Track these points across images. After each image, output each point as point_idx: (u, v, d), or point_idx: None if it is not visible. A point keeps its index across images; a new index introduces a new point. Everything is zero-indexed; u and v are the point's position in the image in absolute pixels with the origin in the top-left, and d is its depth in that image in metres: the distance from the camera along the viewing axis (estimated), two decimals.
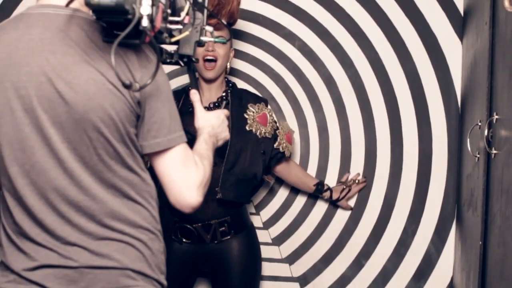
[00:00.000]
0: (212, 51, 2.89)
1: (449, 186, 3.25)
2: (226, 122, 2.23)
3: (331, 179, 3.33)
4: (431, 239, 3.27)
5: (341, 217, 3.33)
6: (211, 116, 2.18)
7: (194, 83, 2.30)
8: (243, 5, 3.16)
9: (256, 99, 3.06)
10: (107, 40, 1.67)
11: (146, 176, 1.89)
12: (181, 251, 2.95)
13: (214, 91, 2.98)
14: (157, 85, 1.81)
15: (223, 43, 2.40)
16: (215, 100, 2.97)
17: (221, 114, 2.22)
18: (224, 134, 2.21)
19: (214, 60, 2.90)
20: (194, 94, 2.20)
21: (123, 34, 1.56)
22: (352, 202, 3.32)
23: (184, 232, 2.93)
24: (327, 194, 3.27)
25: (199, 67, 2.91)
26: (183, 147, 1.88)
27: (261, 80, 3.36)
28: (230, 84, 3.05)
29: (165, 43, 1.90)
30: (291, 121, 3.33)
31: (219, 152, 2.83)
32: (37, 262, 1.80)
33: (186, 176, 1.85)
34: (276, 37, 3.34)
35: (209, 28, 2.13)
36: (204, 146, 2.04)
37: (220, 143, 2.21)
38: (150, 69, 1.78)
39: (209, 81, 2.96)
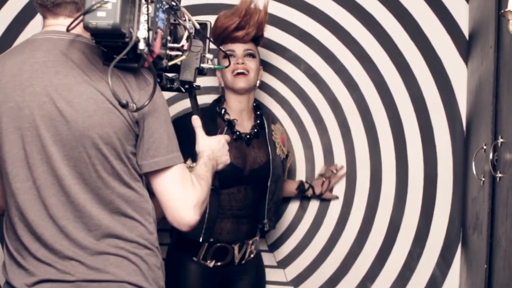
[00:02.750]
0: (243, 63, 2.92)
1: (454, 209, 3.28)
2: (226, 147, 2.29)
3: (336, 202, 3.39)
4: (437, 262, 3.30)
5: (347, 239, 3.37)
6: (212, 141, 2.26)
7: (196, 109, 2.34)
8: None
9: (272, 117, 3.15)
10: (107, 63, 1.74)
11: (144, 193, 1.96)
12: (207, 273, 2.94)
13: (245, 106, 3.00)
14: (155, 106, 1.89)
15: (223, 68, 2.47)
16: (247, 121, 3.02)
17: (222, 139, 2.29)
18: (224, 158, 2.28)
19: (245, 74, 2.93)
20: (195, 120, 2.26)
21: (120, 55, 1.64)
22: (357, 225, 3.36)
23: (217, 252, 2.94)
24: (310, 192, 3.32)
25: (229, 81, 2.94)
26: (180, 167, 1.95)
27: (266, 102, 3.41)
28: (258, 109, 3.10)
29: (165, 69, 2.01)
30: (296, 144, 3.40)
31: (260, 183, 2.98)
32: (37, 277, 1.87)
33: (183, 195, 1.92)
34: (281, 60, 3.39)
35: (209, 56, 2.22)
36: (203, 168, 2.12)
37: (220, 167, 2.27)
38: (148, 91, 1.84)
39: (240, 92, 2.96)
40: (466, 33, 3.26)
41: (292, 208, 3.42)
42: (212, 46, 2.33)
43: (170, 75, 2.21)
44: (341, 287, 3.39)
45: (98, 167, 1.85)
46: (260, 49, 3.32)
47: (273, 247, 3.43)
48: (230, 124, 2.96)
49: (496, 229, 2.60)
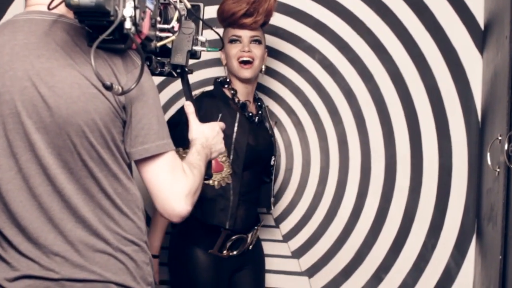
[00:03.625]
0: (248, 51, 2.91)
1: (469, 200, 3.29)
2: (221, 134, 2.21)
3: (351, 192, 3.40)
4: (451, 253, 3.31)
5: (361, 230, 3.39)
6: (206, 128, 2.17)
7: (188, 95, 2.25)
8: None
9: (262, 101, 3.16)
10: (91, 44, 1.59)
11: (132, 185, 1.88)
12: (219, 263, 2.93)
13: (250, 90, 3.01)
14: (143, 90, 1.80)
15: (216, 51, 2.34)
16: (251, 99, 3.04)
17: (216, 126, 2.21)
18: (219, 146, 2.20)
19: (251, 62, 2.92)
20: (188, 106, 2.19)
21: (104, 35, 1.55)
22: (372, 216, 3.38)
23: (234, 243, 2.96)
24: None
25: (234, 68, 2.94)
26: (171, 154, 1.86)
27: (281, 93, 3.43)
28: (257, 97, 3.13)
29: (154, 51, 1.93)
30: (311, 134, 3.42)
31: (271, 168, 3.05)
32: (19, 272, 1.79)
33: (174, 184, 1.84)
34: (296, 50, 3.41)
35: (202, 38, 2.14)
36: (196, 156, 2.02)
37: (214, 155, 2.19)
38: (136, 74, 1.76)
39: (245, 81, 2.97)
40: (481, 23, 3.27)
41: (306, 198, 3.44)
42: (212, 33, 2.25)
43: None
44: (355, 278, 3.40)
45: (84, 156, 1.76)
46: (275, 39, 3.37)
47: (288, 237, 3.46)
48: (244, 107, 2.98)
49: (511, 220, 2.62)
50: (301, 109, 3.43)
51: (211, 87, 3.03)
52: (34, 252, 1.78)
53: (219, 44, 2.34)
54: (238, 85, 2.98)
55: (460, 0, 3.25)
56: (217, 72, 3.41)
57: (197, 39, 2.13)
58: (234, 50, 2.92)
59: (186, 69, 2.17)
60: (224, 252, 2.93)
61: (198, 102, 2.82)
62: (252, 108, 3.05)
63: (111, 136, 1.79)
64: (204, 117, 2.74)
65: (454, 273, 3.32)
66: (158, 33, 1.87)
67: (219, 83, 3.01)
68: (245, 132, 2.90)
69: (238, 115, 2.91)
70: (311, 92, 3.42)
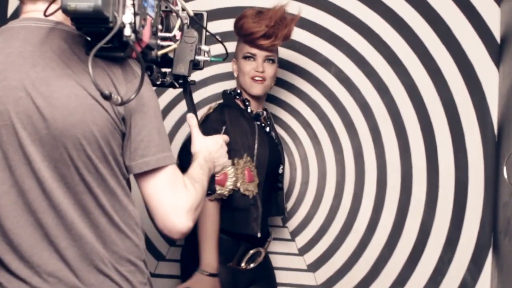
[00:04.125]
0: (262, 71, 2.91)
1: (485, 214, 3.29)
2: (225, 148, 2.16)
3: (367, 206, 3.40)
4: (468, 267, 3.30)
5: (377, 243, 3.39)
6: (209, 141, 2.12)
7: (191, 107, 2.17)
8: None
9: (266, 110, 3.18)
10: (90, 53, 1.49)
11: (129, 201, 1.80)
12: (239, 276, 2.93)
13: (261, 102, 3.03)
14: (143, 101, 1.72)
15: (219, 61, 2.26)
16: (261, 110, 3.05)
17: (220, 139, 2.16)
18: (223, 160, 2.15)
19: (263, 80, 2.93)
20: (191, 118, 2.13)
21: (102, 42, 1.47)
22: (388, 229, 3.38)
23: (254, 256, 2.96)
24: None
25: (247, 84, 2.93)
26: (172, 168, 1.78)
27: (296, 106, 3.45)
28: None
29: (155, 61, 1.85)
30: (327, 148, 3.43)
31: (279, 177, 3.07)
32: None
33: (175, 199, 1.75)
34: (312, 63, 3.42)
35: (205, 48, 2.07)
36: (198, 170, 1.95)
37: (218, 169, 2.14)
38: (136, 84, 1.65)
39: (255, 97, 2.98)
40: (497, 37, 3.28)
41: (322, 211, 3.45)
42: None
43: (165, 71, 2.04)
44: None
45: (81, 170, 1.68)
46: (291, 52, 3.39)
47: (303, 250, 3.46)
48: (258, 117, 2.99)
49: None
50: (317, 123, 3.44)
51: (215, 103, 3.01)
52: (26, 272, 1.71)
53: (223, 55, 2.22)
54: (249, 98, 2.99)
55: (476, 14, 3.27)
56: (226, 86, 3.41)
57: (200, 48, 2.06)
58: (248, 67, 2.92)
59: (189, 80, 2.10)
60: (243, 265, 2.93)
61: (220, 115, 2.86)
62: (262, 117, 3.06)
63: (110, 149, 1.72)
64: (230, 129, 2.77)
65: (470, 287, 3.30)
66: (159, 42, 1.81)
67: (230, 95, 3.01)
68: (264, 143, 2.92)
69: (256, 126, 2.93)
70: (327, 105, 3.43)
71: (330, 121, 3.43)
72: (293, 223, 3.46)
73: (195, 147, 2.09)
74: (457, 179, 3.33)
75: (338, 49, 3.41)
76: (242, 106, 2.98)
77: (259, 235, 2.88)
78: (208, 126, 2.78)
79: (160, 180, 1.76)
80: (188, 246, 3.00)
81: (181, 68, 2.02)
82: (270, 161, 2.95)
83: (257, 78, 2.92)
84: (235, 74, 3.02)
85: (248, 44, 2.93)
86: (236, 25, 2.96)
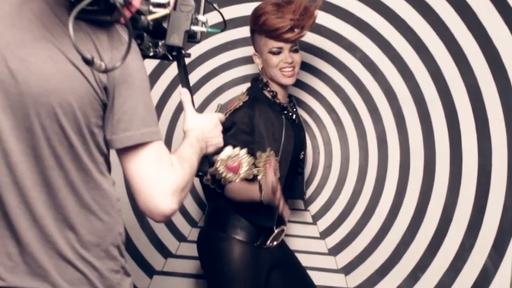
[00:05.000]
0: (291, 62, 2.93)
1: (508, 200, 3.29)
2: (219, 127, 2.05)
3: (389, 191, 3.42)
4: (489, 254, 3.31)
5: (399, 228, 3.40)
6: (203, 119, 2.00)
7: (185, 81, 2.05)
8: None
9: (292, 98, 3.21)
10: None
11: (105, 180, 1.68)
12: (262, 256, 2.97)
13: (287, 90, 3.06)
14: (129, 70, 1.60)
15: (217, 32, 2.10)
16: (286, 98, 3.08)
17: (215, 118, 2.05)
18: (217, 140, 2.03)
19: (293, 69, 2.96)
20: (184, 94, 2.03)
21: (84, 2, 1.35)
22: (410, 215, 3.39)
23: (277, 235, 3.01)
24: None
25: (276, 76, 2.95)
26: (158, 145, 1.66)
27: (321, 90, 3.46)
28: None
29: (147, 29, 1.75)
30: (351, 132, 3.45)
31: (299, 162, 3.09)
32: None
33: (159, 178, 1.63)
34: (337, 48, 3.42)
35: (202, 18, 1.93)
36: (188, 149, 1.83)
37: (211, 149, 2.01)
38: (123, 51, 1.49)
39: (284, 86, 3.01)
40: None
41: (344, 196, 3.47)
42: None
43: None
44: (391, 276, 3.42)
45: (53, 142, 1.57)
46: (317, 36, 3.41)
47: (324, 234, 3.49)
48: (285, 109, 3.02)
49: None
50: (341, 107, 3.45)
51: (243, 93, 3.02)
52: None
53: (221, 24, 2.11)
54: (276, 88, 3.01)
55: (504, 1, 3.26)
56: (249, 70, 3.47)
57: (196, 18, 1.91)
58: (276, 60, 2.93)
59: (183, 52, 1.95)
60: (268, 242, 2.97)
61: (250, 110, 2.86)
62: (289, 107, 3.08)
63: (87, 121, 1.59)
64: (257, 123, 2.82)
65: (492, 274, 3.32)
66: (151, 8, 1.73)
67: (258, 86, 3.02)
68: (290, 135, 2.96)
69: (284, 119, 2.96)
70: (351, 90, 3.44)
71: (354, 106, 3.44)
72: (315, 206, 3.49)
73: (187, 125, 1.97)
74: (480, 165, 3.33)
75: (364, 33, 3.40)
76: (270, 97, 3.00)
77: (275, 228, 2.95)
78: (238, 121, 2.83)
79: (144, 157, 1.64)
80: (207, 243, 3.03)
81: (175, 39, 1.87)
82: (294, 150, 2.99)
83: (287, 69, 2.94)
84: (260, 67, 3.02)
85: (273, 39, 2.92)
86: (256, 22, 2.94)
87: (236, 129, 2.83)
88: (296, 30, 2.90)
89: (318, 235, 3.49)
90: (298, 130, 3.09)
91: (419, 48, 3.37)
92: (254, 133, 2.84)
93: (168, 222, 3.53)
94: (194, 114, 2.01)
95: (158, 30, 1.84)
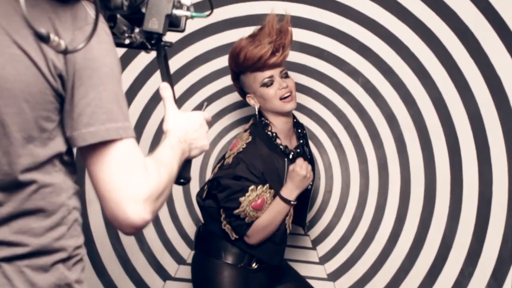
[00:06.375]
0: (286, 86, 2.89)
1: (508, 229, 3.29)
2: (205, 128, 1.83)
3: (389, 217, 3.43)
4: (488, 282, 3.31)
5: (398, 255, 3.41)
6: (186, 118, 1.78)
7: (166, 74, 1.82)
8: (308, 40, 3.31)
9: (302, 127, 3.19)
10: None
11: (55, 180, 1.45)
12: (257, 277, 3.03)
13: (290, 122, 3.03)
14: (94, 54, 1.39)
15: (203, 17, 1.82)
16: (293, 136, 3.06)
17: (200, 117, 1.82)
18: (201, 142, 1.79)
19: (291, 94, 2.91)
20: (165, 89, 1.81)
21: None
22: (409, 241, 3.40)
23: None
24: None
25: (277, 106, 2.91)
26: (129, 144, 1.43)
27: (323, 115, 3.47)
28: (297, 125, 3.14)
29: (120, 8, 1.54)
30: (351, 157, 3.46)
31: (307, 192, 3.07)
32: None
33: (130, 183, 1.40)
34: (339, 73, 3.43)
35: (186, 1, 1.74)
36: (168, 151, 1.61)
37: (195, 152, 1.78)
38: (88, 31, 1.30)
39: (287, 113, 2.97)
40: None
41: (344, 221, 3.48)
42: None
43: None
44: None
45: None
46: (318, 61, 3.41)
47: (324, 259, 3.50)
48: (287, 153, 3.00)
49: None
50: (342, 132, 3.46)
51: (246, 131, 3.01)
52: None
53: (207, 9, 1.90)
54: (279, 123, 2.98)
55: (505, 27, 3.27)
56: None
57: (179, 1, 1.72)
58: (271, 91, 2.89)
59: (164, 40, 1.75)
60: (253, 265, 2.99)
61: (255, 151, 2.88)
62: (293, 144, 3.07)
63: (35, 115, 1.38)
64: (259, 164, 2.82)
65: None
66: None
67: (260, 126, 2.99)
68: None
69: (286, 162, 2.95)
70: (353, 115, 3.45)
71: (356, 131, 3.46)
72: (315, 231, 3.50)
73: (167, 124, 1.75)
74: (480, 193, 3.33)
75: (366, 59, 3.42)
76: (271, 136, 2.98)
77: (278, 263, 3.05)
78: (247, 161, 2.83)
79: (111, 158, 1.41)
80: (199, 266, 3.07)
81: (154, 24, 1.65)
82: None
83: (286, 96, 2.90)
84: (257, 107, 2.98)
85: (260, 71, 2.89)
86: (237, 61, 2.90)
87: (246, 170, 2.83)
88: (279, 52, 2.85)
89: (317, 260, 3.50)
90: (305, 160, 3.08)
91: (421, 74, 3.38)
92: (261, 172, 2.86)
93: (167, 244, 3.54)
94: (176, 112, 1.78)
95: (135, 16, 1.65)
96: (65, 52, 1.22)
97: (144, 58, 3.45)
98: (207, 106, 2.12)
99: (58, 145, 1.43)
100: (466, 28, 3.32)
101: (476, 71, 3.33)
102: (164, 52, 1.79)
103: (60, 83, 1.38)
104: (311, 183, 3.07)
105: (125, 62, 3.47)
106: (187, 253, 3.56)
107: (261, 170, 2.84)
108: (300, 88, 3.38)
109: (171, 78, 1.83)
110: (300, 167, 2.89)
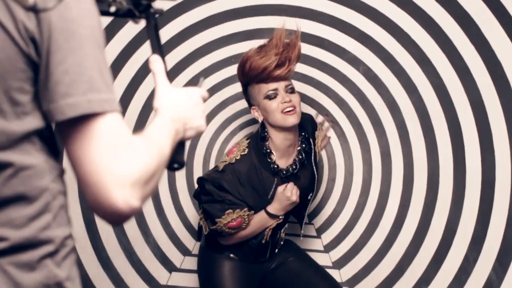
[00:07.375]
0: (290, 101, 2.85)
1: None
2: (200, 106, 1.63)
3: (393, 204, 3.45)
4: (493, 267, 3.32)
5: (402, 242, 3.44)
6: (180, 94, 1.57)
7: (157, 46, 1.63)
8: (309, 30, 3.33)
9: (312, 126, 3.19)
10: None
11: (33, 161, 1.26)
12: (252, 269, 3.12)
13: (292, 139, 2.99)
14: (72, 14, 1.21)
15: None
16: (292, 154, 3.05)
17: (195, 94, 1.62)
18: (197, 122, 1.59)
19: (294, 109, 2.88)
20: (155, 63, 1.62)
21: None
22: (413, 228, 3.42)
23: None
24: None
25: (279, 120, 2.88)
26: (114, 118, 1.25)
27: (325, 104, 3.49)
28: (303, 133, 3.12)
29: None
30: (354, 146, 3.48)
31: (307, 202, 3.11)
32: None
33: (115, 164, 1.22)
34: (340, 61, 3.45)
35: None
36: (160, 130, 1.42)
37: (190, 133, 1.58)
38: None
39: (290, 129, 2.93)
40: None
41: (348, 209, 3.51)
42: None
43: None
44: None
45: None
46: (320, 50, 3.42)
47: (329, 247, 3.53)
48: (278, 173, 3.00)
49: None
50: (344, 121, 3.48)
51: (244, 142, 3.04)
52: None
53: None
54: (279, 139, 2.96)
55: (506, 14, 3.27)
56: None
57: None
58: (274, 104, 2.87)
59: (153, 8, 1.57)
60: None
61: (242, 167, 2.92)
62: (290, 161, 3.05)
63: (5, 86, 1.21)
64: (242, 183, 2.87)
65: (496, 286, 3.33)
66: None
67: (261, 138, 2.98)
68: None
69: (276, 179, 2.97)
70: (355, 103, 3.47)
71: (358, 119, 3.48)
72: (319, 220, 3.53)
73: (158, 102, 1.54)
74: (484, 178, 3.34)
75: (367, 47, 3.43)
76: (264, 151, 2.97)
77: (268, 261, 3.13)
78: (234, 178, 2.89)
79: (93, 135, 1.22)
80: (203, 258, 3.15)
81: None
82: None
83: (288, 109, 2.87)
84: (260, 120, 2.98)
85: (264, 82, 2.87)
86: (244, 71, 2.89)
87: (230, 185, 2.88)
88: (284, 65, 2.83)
89: (322, 249, 3.53)
90: (306, 172, 3.09)
91: (422, 61, 3.39)
92: (242, 198, 2.91)
93: (172, 236, 3.57)
94: (168, 88, 1.58)
95: None
96: (33, 9, 1.10)
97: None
98: (203, 81, 1.85)
99: (35, 120, 1.25)
100: (467, 14, 3.33)
101: (477, 57, 3.33)
102: (155, 21, 1.60)
103: (33, 48, 1.21)
104: (311, 194, 3.13)
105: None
106: (192, 244, 3.59)
107: (243, 195, 2.89)
108: (302, 77, 3.41)
109: (162, 50, 1.64)
110: (290, 191, 2.93)
